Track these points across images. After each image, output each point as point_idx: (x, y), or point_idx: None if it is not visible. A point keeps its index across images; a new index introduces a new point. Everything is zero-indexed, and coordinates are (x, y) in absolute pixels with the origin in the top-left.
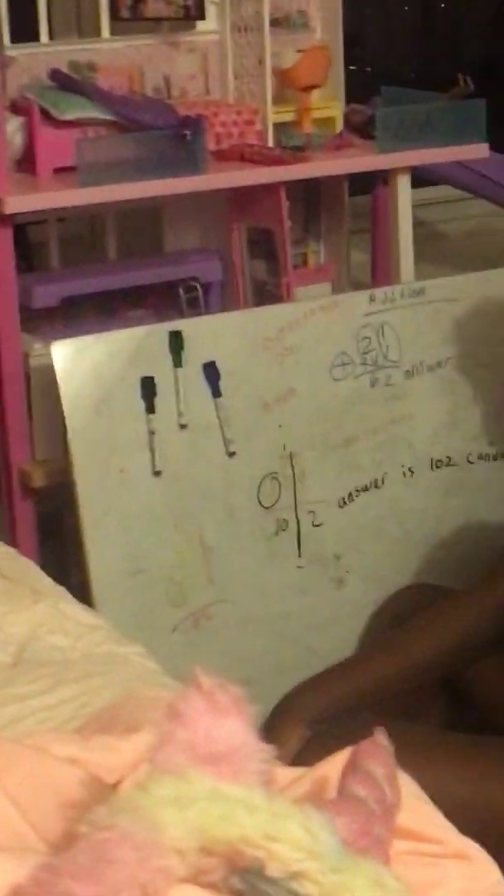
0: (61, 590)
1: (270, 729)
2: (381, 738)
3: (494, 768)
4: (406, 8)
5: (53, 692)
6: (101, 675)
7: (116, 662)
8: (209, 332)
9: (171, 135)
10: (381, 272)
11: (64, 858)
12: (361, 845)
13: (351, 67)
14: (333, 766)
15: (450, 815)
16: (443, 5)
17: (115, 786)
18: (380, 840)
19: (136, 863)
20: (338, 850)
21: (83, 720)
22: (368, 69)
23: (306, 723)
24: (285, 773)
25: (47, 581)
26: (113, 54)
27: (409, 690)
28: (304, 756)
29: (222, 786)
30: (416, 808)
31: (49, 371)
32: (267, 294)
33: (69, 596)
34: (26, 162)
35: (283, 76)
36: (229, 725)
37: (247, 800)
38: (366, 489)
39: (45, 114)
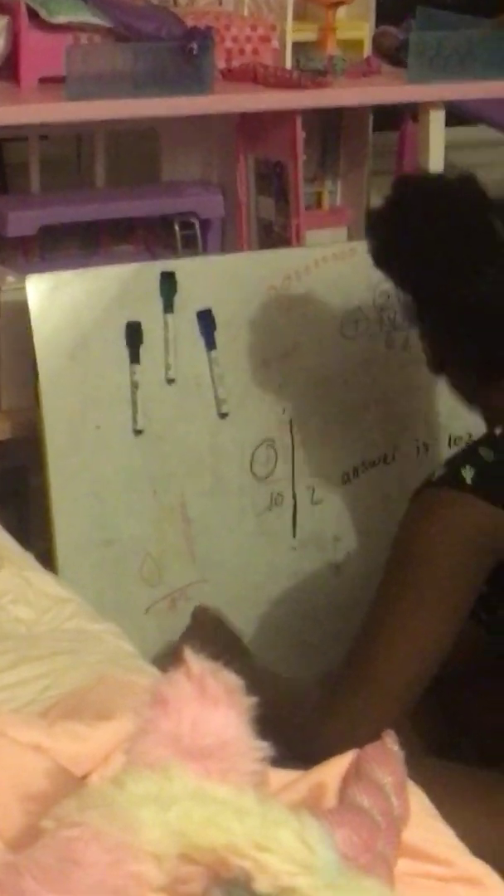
0: (27, 556)
1: None
2: (390, 741)
3: None
4: None
5: (14, 670)
6: (69, 654)
7: (87, 641)
8: (206, 276)
9: (175, 47)
10: None
11: (25, 857)
12: (363, 862)
13: None
14: (332, 770)
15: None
16: None
17: (82, 778)
18: (383, 857)
19: (106, 866)
20: (336, 866)
21: (47, 703)
22: None
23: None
24: (278, 776)
25: (12, 544)
26: None
27: None
28: None
29: (208, 785)
30: (425, 823)
31: (22, 308)
32: (274, 236)
33: (36, 563)
34: (8, 69)
35: None
36: (220, 717)
37: (236, 803)
38: (373, 464)
39: (33, 14)
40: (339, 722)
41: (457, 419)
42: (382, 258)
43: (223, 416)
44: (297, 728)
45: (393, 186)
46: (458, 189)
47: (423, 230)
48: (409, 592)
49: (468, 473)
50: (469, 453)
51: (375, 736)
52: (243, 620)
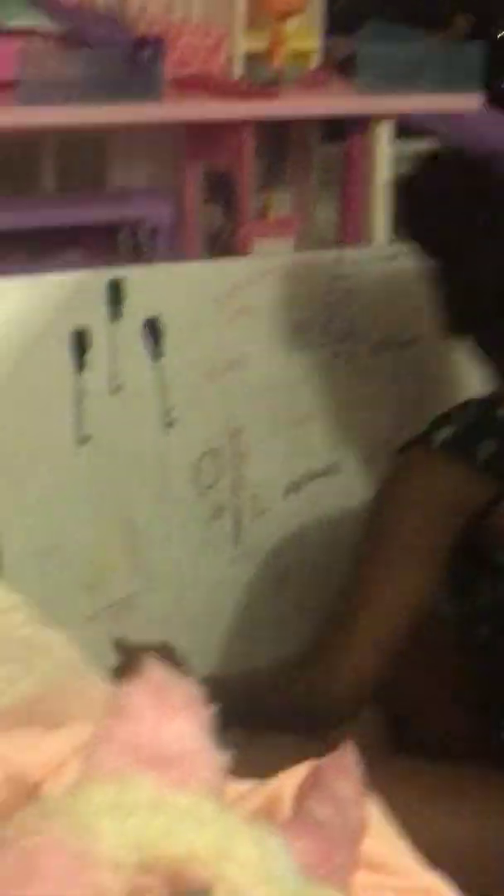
0: None
1: None
2: (348, 752)
3: (493, 805)
4: None
5: None
6: (20, 663)
7: (38, 649)
8: (154, 284)
9: (125, 55)
10: (350, 231)
11: None
12: (321, 873)
13: None
14: (288, 781)
15: (443, 855)
16: None
17: (34, 787)
18: (341, 869)
19: (67, 876)
20: (295, 876)
21: None
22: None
23: None
24: (232, 787)
25: None
26: None
27: None
28: None
29: (167, 794)
30: (380, 835)
31: None
32: (221, 244)
33: None
34: None
35: None
36: (180, 726)
37: (195, 812)
38: (318, 476)
39: None
40: (332, 673)
41: (402, 431)
42: (416, 226)
43: (169, 425)
44: (290, 706)
45: (427, 159)
46: (490, 165)
47: (462, 200)
48: (386, 545)
49: (444, 433)
50: (448, 416)
51: (365, 685)
52: (186, 630)
